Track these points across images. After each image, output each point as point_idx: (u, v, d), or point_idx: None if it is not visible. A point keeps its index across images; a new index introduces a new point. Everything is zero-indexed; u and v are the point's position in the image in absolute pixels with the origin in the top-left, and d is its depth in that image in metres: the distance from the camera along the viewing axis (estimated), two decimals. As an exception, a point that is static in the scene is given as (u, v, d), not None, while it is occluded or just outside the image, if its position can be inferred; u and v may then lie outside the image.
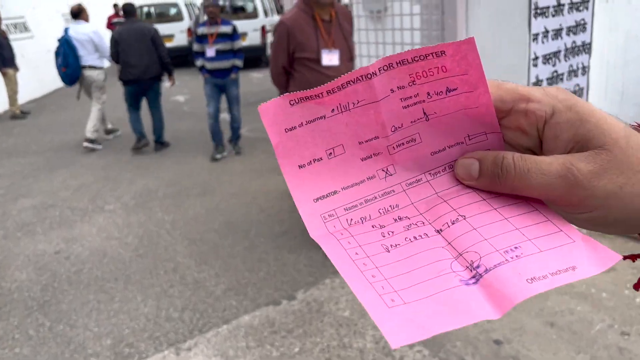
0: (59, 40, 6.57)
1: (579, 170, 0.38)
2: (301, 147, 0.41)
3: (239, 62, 5.94)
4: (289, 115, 0.41)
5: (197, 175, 5.65)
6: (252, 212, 4.55)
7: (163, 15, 14.89)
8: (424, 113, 0.43)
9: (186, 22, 14.03)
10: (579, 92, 3.23)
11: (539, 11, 2.82)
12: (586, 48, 3.16)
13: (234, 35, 5.85)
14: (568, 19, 2.99)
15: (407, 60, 0.41)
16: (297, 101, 0.41)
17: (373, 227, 0.42)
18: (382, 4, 4.83)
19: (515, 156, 0.40)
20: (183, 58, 13.96)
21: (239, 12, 13.75)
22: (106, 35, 8.35)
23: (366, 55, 3.97)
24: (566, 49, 3.05)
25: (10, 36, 11.45)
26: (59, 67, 6.59)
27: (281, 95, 0.40)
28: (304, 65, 3.25)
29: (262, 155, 6.17)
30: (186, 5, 14.62)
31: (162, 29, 13.88)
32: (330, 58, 3.16)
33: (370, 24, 4.43)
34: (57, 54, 6.58)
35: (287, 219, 4.30)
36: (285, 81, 3.39)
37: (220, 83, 5.92)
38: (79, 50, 6.56)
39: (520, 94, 0.41)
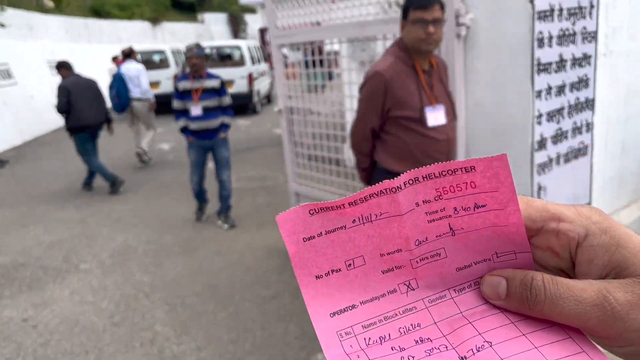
0: (114, 75, 7.77)
1: (616, 299, 0.36)
2: (319, 257, 0.41)
3: (228, 120, 5.22)
4: (308, 225, 0.40)
5: (179, 231, 5.37)
6: (237, 272, 4.26)
7: (149, 62, 14.83)
8: (450, 228, 0.42)
9: (172, 69, 13.98)
10: (583, 149, 3.06)
11: (541, 67, 2.68)
12: (590, 104, 3.02)
13: (222, 89, 5.13)
14: (571, 75, 2.85)
15: (434, 174, 0.41)
16: (317, 211, 0.40)
17: (392, 349, 0.40)
18: (370, 54, 4.74)
19: (545, 278, 0.38)
20: (168, 105, 13.81)
21: (226, 59, 13.75)
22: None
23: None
24: (570, 106, 2.90)
25: (-8, 83, 11.28)
26: (112, 97, 7.69)
27: (300, 205, 0.39)
28: (402, 126, 2.54)
29: (248, 207, 5.93)
30: (172, 52, 14.61)
31: (149, 75, 13.84)
32: (435, 116, 2.53)
33: (360, 76, 4.31)
34: (111, 87, 7.69)
35: (274, 281, 4.03)
36: (371, 148, 2.67)
37: (207, 145, 5.16)
38: (129, 84, 7.76)
39: (551, 212, 0.40)
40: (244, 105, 13.16)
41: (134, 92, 7.94)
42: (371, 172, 2.75)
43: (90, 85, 6.85)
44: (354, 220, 0.40)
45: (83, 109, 6.63)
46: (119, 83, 7.65)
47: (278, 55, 4.27)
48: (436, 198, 0.41)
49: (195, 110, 5.02)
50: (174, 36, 23.69)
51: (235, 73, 12.80)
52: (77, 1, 20.88)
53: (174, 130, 11.70)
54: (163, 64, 14.49)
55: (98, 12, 21.10)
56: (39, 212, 6.29)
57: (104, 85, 16.57)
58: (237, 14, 29.13)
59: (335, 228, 0.40)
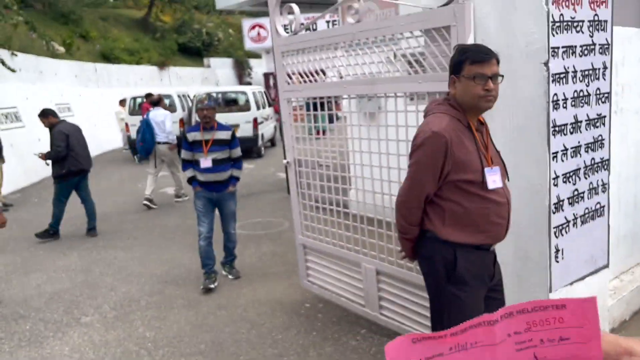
0: (141, 121, 8.33)
1: None
2: None
3: (238, 173, 5.07)
4: (409, 352, 0.44)
5: (183, 281, 5.23)
6: (242, 329, 4.11)
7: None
8: (535, 357, 0.45)
9: (179, 113, 14.05)
10: (600, 210, 2.98)
11: (557, 129, 2.63)
12: (605, 165, 2.95)
13: (233, 141, 4.99)
14: (586, 135, 2.80)
15: (526, 309, 0.45)
16: (419, 340, 0.45)
17: None
18: (377, 105, 4.71)
19: None
20: (175, 147, 13.83)
21: (232, 104, 13.85)
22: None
23: (358, 150, 3.74)
24: (585, 167, 2.83)
25: (1, 126, 11.32)
26: (137, 142, 8.26)
27: (405, 335, 0.45)
28: (462, 190, 2.27)
29: (253, 257, 5.81)
30: (179, 96, 14.74)
31: (154, 119, 13.91)
32: (494, 178, 2.28)
33: (363, 121, 4.27)
34: (137, 131, 8.21)
35: (280, 340, 3.88)
36: (420, 216, 2.38)
37: (215, 197, 4.99)
38: (155, 130, 8.20)
39: (623, 347, 0.43)
40: (249, 149, 13.17)
41: (160, 137, 8.30)
42: (417, 242, 2.46)
43: (80, 130, 7.10)
44: (451, 348, 0.45)
45: (80, 153, 6.87)
46: (145, 128, 8.10)
47: (287, 109, 4.24)
48: (526, 330, 0.45)
49: (205, 162, 4.86)
50: (181, 80, 23.99)
51: (241, 118, 12.86)
52: (87, 46, 21.22)
53: (179, 175, 11.67)
54: (170, 108, 14.56)
55: (107, 57, 21.41)
56: (42, 259, 6.17)
57: (115, 127, 16.66)
58: (241, 59, 29.58)
59: (433, 355, 0.45)
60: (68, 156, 6.73)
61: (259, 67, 30.41)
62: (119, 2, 33.28)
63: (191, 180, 5.03)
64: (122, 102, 15.88)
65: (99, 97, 18.34)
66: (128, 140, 14.27)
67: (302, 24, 3.98)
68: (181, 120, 13.86)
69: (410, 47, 3.13)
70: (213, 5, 36.42)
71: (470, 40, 2.76)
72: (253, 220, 7.39)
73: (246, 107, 13.31)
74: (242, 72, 29.47)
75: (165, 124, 8.36)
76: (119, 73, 20.67)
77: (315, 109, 4.06)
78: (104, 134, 17.15)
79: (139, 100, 14.93)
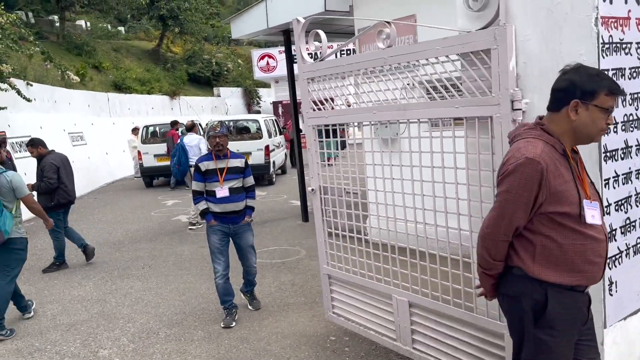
0: (176, 145, 8.94)
1: None
2: None
3: (253, 203, 4.89)
4: None
5: (202, 312, 5.04)
6: (267, 364, 3.92)
7: (164, 135, 14.95)
8: None
9: (190, 142, 14.01)
10: (650, 239, 2.81)
11: (608, 154, 2.48)
12: (655, 191, 2.79)
13: (247, 169, 4.83)
14: (637, 161, 2.65)
15: None
16: None
17: None
18: (394, 131, 4.53)
19: None
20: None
21: (244, 133, 13.81)
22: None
23: (380, 176, 3.60)
24: (637, 194, 2.67)
25: (16, 155, 11.27)
26: (173, 165, 8.78)
27: None
28: (557, 224, 2.03)
29: (272, 287, 5.62)
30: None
31: (161, 148, 13.85)
32: (592, 214, 2.05)
33: (382, 147, 4.11)
34: (172, 155, 8.76)
35: (309, 375, 3.68)
36: (506, 251, 2.16)
37: (231, 230, 4.74)
38: (189, 154, 8.69)
39: None
40: (261, 176, 13.09)
41: (193, 161, 8.55)
42: (500, 278, 2.24)
43: (68, 161, 7.02)
44: None
45: (68, 185, 6.76)
46: (180, 152, 8.66)
47: (313, 136, 4.12)
48: None
49: (222, 191, 4.63)
50: (191, 109, 24.09)
51: (253, 145, 12.80)
52: (100, 77, 21.39)
53: (191, 202, 11.54)
54: (182, 136, 14.55)
55: (119, 87, 21.57)
56: (57, 290, 6.00)
57: (127, 154, 16.61)
58: (250, 89, 29.79)
59: None
60: (58, 188, 6.56)
61: (267, 96, 30.62)
62: (131, 34, 33.77)
63: (204, 214, 4.71)
64: (135, 131, 15.88)
65: (110, 126, 18.39)
66: (140, 168, 14.20)
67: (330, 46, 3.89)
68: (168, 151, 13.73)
69: (445, 71, 3.02)
70: (222, 36, 36.96)
71: (512, 64, 2.65)
72: (269, 249, 7.22)
73: (258, 135, 13.27)
74: (250, 101, 29.64)
75: (200, 148, 8.85)
76: (131, 102, 20.78)
77: (327, 135, 3.95)
78: (115, 162, 17.14)
79: (151, 129, 14.94)
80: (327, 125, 3.96)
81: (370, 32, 4.33)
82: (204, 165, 4.68)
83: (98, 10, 24.70)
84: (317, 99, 4.04)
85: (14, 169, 8.95)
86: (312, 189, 4.17)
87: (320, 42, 3.88)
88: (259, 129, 13.30)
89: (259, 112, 27.08)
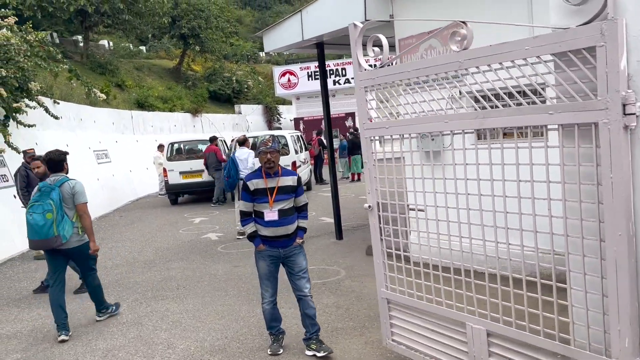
0: (227, 158, 9.64)
1: None
2: None
3: (305, 224, 4.35)
4: None
5: (244, 337, 4.71)
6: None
7: (193, 152, 14.79)
8: None
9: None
10: None
11: None
12: None
13: (299, 188, 4.29)
14: None
15: None
16: None
17: None
18: (439, 144, 4.16)
19: None
20: (212, 193, 13.58)
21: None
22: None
23: (453, 192, 3.27)
24: None
25: (42, 173, 11.12)
26: (224, 177, 9.24)
27: None
28: None
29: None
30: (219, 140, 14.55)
31: (193, 165, 13.68)
32: None
33: (424, 159, 3.78)
34: (224, 168, 9.34)
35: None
36: None
37: (282, 254, 4.20)
38: (239, 166, 8.91)
39: None
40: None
41: (243, 173, 8.76)
42: None
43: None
44: None
45: None
46: (230, 165, 8.98)
47: (370, 148, 3.81)
48: None
49: (271, 214, 4.12)
50: (213, 126, 24.00)
51: (280, 162, 12.50)
52: (123, 95, 21.43)
53: (218, 219, 11.28)
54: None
55: (142, 105, 21.56)
56: (91, 312, 5.71)
57: (153, 172, 16.50)
58: (271, 105, 29.70)
59: None
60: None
61: (286, 113, 30.51)
62: (152, 53, 34.02)
63: (253, 237, 4.21)
64: (161, 147, 15.76)
65: (134, 144, 18.31)
66: (165, 186, 14.01)
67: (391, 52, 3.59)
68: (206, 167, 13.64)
69: (535, 73, 2.69)
70: (241, 54, 37.02)
71: (622, 63, 2.32)
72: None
73: (284, 151, 13.00)
74: (271, 118, 29.53)
75: (248, 161, 9.16)
76: (154, 120, 20.74)
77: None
78: (138, 180, 17.00)
79: (176, 145, 14.78)
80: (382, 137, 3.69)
81: (411, 42, 4.05)
82: (253, 184, 4.16)
83: (121, 30, 24.84)
84: (374, 108, 3.74)
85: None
86: (369, 206, 3.85)
87: (382, 47, 3.56)
88: (286, 145, 13.05)
89: (279, 128, 26.91)
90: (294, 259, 4.25)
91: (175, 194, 14.14)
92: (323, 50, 8.11)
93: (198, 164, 13.66)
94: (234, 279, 6.63)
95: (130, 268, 7.18)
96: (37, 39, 10.52)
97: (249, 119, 27.59)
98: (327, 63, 25.33)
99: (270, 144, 4.19)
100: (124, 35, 29.76)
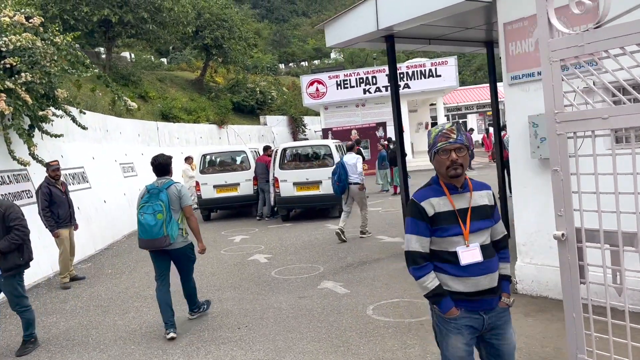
0: (336, 164, 9.23)
1: None
2: None
3: (508, 269, 2.72)
4: None
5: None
6: None
7: (227, 164, 13.68)
8: None
9: (251, 171, 12.68)
10: None
11: None
12: None
13: (495, 208, 2.68)
14: None
15: None
16: None
17: None
18: None
19: None
20: (249, 207, 12.44)
21: (312, 160, 12.41)
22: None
23: None
24: None
25: (69, 188, 10.07)
26: (334, 182, 8.97)
27: None
28: None
29: (419, 359, 4.03)
30: (252, 151, 13.45)
31: (228, 177, 12.57)
32: None
33: None
34: (333, 173, 8.99)
35: None
36: None
37: (486, 323, 2.58)
38: (348, 171, 8.89)
39: None
40: (332, 207, 11.65)
41: (352, 178, 8.97)
42: None
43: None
44: None
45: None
46: (340, 169, 8.90)
47: (561, 149, 2.60)
48: None
49: (470, 253, 2.53)
50: (238, 137, 22.97)
51: (323, 173, 11.34)
52: (147, 106, 20.52)
53: (261, 236, 10.10)
54: (243, 165, 13.26)
55: (166, 116, 20.61)
56: (136, 357, 4.54)
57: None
58: (296, 116, 28.67)
59: None
60: (28, 241, 4.95)
61: (311, 124, 29.46)
62: (173, 64, 33.26)
63: (439, 296, 2.55)
64: (188, 160, 14.69)
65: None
66: (198, 200, 12.87)
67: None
68: (255, 179, 12.49)
69: None
70: (262, 66, 36.19)
71: None
72: (388, 301, 5.65)
73: (326, 162, 11.80)
74: (295, 129, 28.48)
75: (357, 167, 9.01)
76: (179, 131, 19.74)
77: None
78: (166, 194, 15.91)
79: (208, 157, 13.67)
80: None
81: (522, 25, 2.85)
82: (431, 205, 2.56)
83: (145, 40, 23.99)
84: (579, 91, 2.54)
85: (69, 204, 7.67)
86: (563, 234, 2.63)
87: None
88: (329, 155, 11.86)
89: (305, 139, 25.81)
90: (502, 332, 2.62)
91: (209, 210, 13.01)
92: (394, 45, 6.96)
93: (233, 176, 12.55)
94: (304, 314, 5.42)
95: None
96: (64, 41, 9.49)
97: (274, 130, 26.54)
98: (356, 71, 24.47)
99: (454, 136, 2.54)
100: (147, 46, 28.97)
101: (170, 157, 5.42)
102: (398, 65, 24.45)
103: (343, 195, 9.16)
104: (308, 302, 5.85)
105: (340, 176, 8.86)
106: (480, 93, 32.35)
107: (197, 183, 12.76)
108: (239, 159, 13.45)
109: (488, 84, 8.74)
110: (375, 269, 7.13)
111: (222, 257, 8.61)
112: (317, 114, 26.70)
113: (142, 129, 17.06)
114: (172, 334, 5.02)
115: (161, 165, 5.26)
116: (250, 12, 50.28)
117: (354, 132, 20.84)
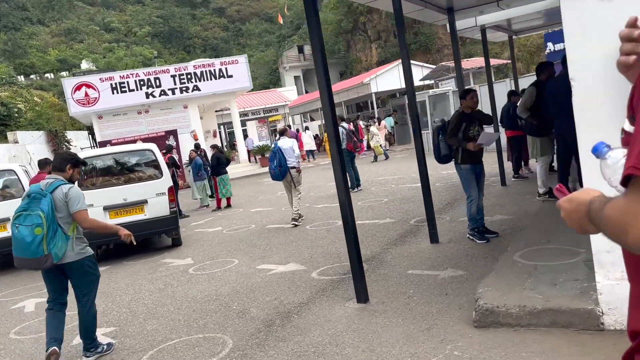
0: (273, 149, 8.81)
1: None
2: None
3: None
4: None
5: None
6: None
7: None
8: None
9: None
10: None
11: None
12: None
13: None
14: None
15: None
16: None
17: None
18: None
19: None
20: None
21: (130, 171, 8.66)
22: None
23: None
24: None
25: None
26: (274, 168, 8.60)
27: None
28: None
29: None
30: (24, 170, 8.97)
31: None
32: None
33: None
34: (271, 159, 8.70)
35: None
36: None
37: None
38: (286, 155, 8.64)
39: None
40: (167, 232, 8.25)
41: (290, 162, 8.63)
42: None
43: None
44: None
45: None
46: (280, 154, 8.54)
47: None
48: None
49: None
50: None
51: (149, 189, 7.92)
52: None
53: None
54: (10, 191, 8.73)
55: None
56: None
57: None
58: (58, 130, 22.84)
59: None
60: None
61: (77, 140, 24.12)
62: None
63: None
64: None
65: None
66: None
67: None
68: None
69: None
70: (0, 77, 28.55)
71: None
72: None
73: (151, 174, 8.29)
74: (58, 146, 22.71)
75: (294, 150, 8.81)
76: None
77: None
78: None
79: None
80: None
81: None
82: None
83: None
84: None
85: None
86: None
87: None
88: (155, 163, 8.34)
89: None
90: None
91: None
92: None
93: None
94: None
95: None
96: None
97: (29, 149, 20.53)
98: (135, 72, 20.22)
99: None
100: None
101: (75, 154, 4.38)
102: (184, 65, 21.28)
103: (284, 181, 8.80)
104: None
105: (281, 160, 8.60)
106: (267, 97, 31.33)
107: None
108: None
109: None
110: (401, 251, 4.34)
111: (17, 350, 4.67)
112: (89, 127, 21.64)
113: None
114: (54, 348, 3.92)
115: (59, 156, 4.26)
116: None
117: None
